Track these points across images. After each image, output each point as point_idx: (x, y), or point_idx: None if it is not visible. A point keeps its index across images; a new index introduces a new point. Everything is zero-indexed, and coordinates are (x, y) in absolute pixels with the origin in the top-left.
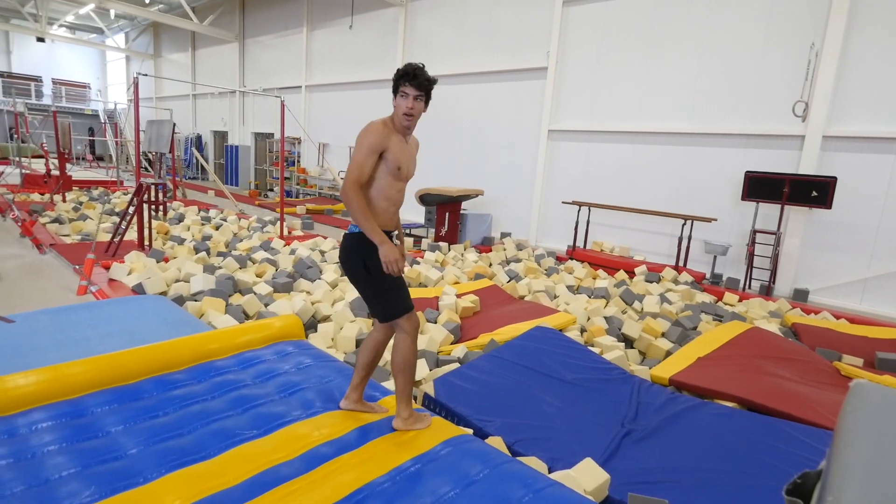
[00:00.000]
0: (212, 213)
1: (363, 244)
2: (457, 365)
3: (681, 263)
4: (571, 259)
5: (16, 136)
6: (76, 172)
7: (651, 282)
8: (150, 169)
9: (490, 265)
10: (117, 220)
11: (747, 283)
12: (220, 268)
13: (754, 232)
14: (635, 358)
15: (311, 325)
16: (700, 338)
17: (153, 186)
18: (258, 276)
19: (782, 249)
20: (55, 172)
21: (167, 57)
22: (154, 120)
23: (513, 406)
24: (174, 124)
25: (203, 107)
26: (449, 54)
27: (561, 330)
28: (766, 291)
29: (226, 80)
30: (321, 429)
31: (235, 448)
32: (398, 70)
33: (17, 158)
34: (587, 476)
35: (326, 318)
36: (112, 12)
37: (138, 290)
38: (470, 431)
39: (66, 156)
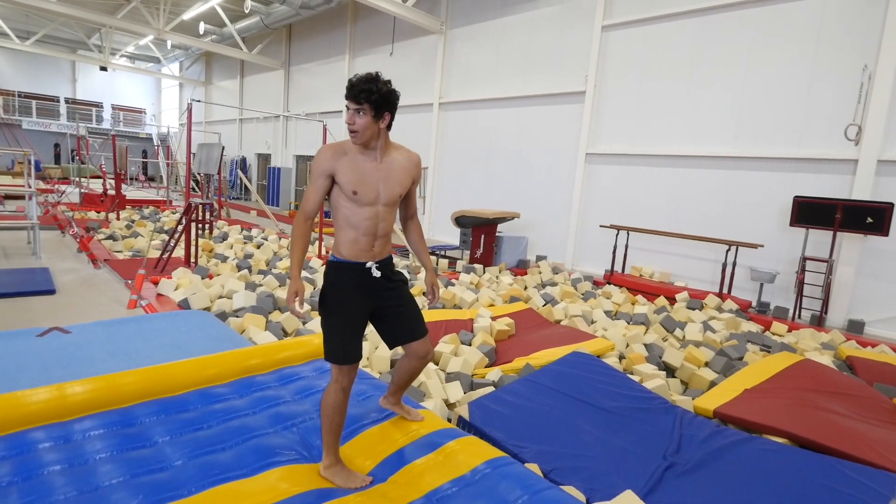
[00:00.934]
0: (254, 232)
1: (328, 273)
2: (491, 388)
3: (725, 290)
4: (609, 284)
5: (77, 157)
6: (130, 192)
7: (693, 309)
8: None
9: (525, 288)
10: (166, 237)
11: (797, 312)
12: (260, 285)
13: (804, 259)
14: (677, 388)
15: None
16: (747, 368)
17: (200, 206)
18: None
19: (835, 278)
20: (111, 192)
21: (217, 84)
22: (205, 143)
23: (549, 432)
24: (223, 147)
25: (249, 130)
26: (487, 79)
27: (599, 356)
28: (818, 322)
29: (271, 105)
30: (357, 449)
31: (276, 469)
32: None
33: (78, 179)
34: None
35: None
36: (169, 43)
37: (184, 305)
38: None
39: (122, 176)
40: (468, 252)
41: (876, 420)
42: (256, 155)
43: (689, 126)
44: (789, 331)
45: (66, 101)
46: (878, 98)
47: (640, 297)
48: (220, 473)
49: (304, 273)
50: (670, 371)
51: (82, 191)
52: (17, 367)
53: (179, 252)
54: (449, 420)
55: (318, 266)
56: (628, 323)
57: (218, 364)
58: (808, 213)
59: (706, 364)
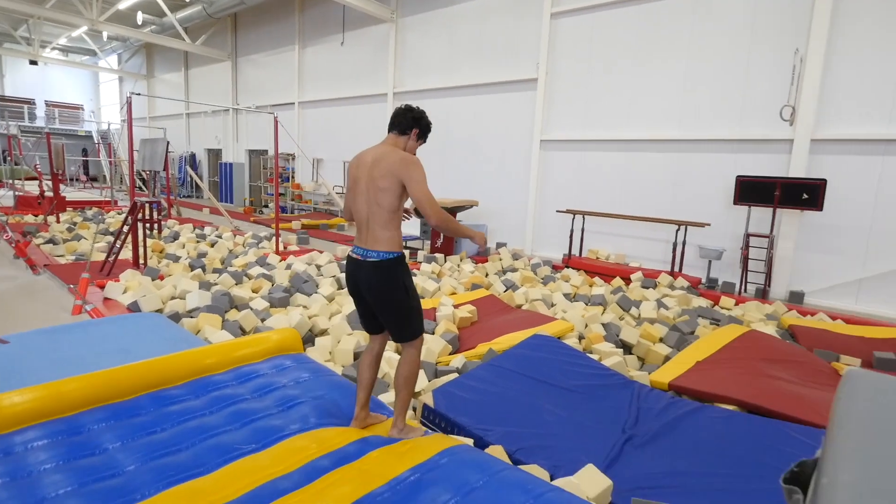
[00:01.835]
0: (207, 230)
1: (402, 266)
2: (455, 375)
3: (676, 269)
4: (567, 267)
5: (9, 158)
6: (70, 193)
7: (647, 288)
8: (144, 188)
9: (486, 275)
10: (112, 239)
11: (743, 286)
12: (215, 284)
13: (748, 236)
14: (634, 364)
15: (308, 339)
16: (698, 342)
17: (147, 205)
18: (254, 291)
19: (776, 252)
20: (49, 194)
21: (160, 77)
22: (148, 139)
23: (513, 415)
24: (168, 142)
25: (196, 125)
26: (439, 68)
27: (559, 337)
28: (762, 294)
29: (219, 99)
30: (319, 442)
31: (234, 462)
32: (426, 118)
33: (11, 181)
34: (589, 483)
35: (324, 332)
36: (105, 34)
37: (134, 308)
38: (470, 441)
39: (60, 177)
40: (429, 242)
41: (817, 383)
42: (206, 150)
43: (637, 111)
44: (736, 304)
45: None
46: (810, 80)
47: (597, 279)
48: (177, 474)
49: (262, 270)
50: (627, 348)
51: (16, 193)
52: None
53: (127, 254)
54: (414, 409)
55: (276, 262)
56: (586, 304)
57: (171, 365)
58: (750, 191)
59: (661, 340)
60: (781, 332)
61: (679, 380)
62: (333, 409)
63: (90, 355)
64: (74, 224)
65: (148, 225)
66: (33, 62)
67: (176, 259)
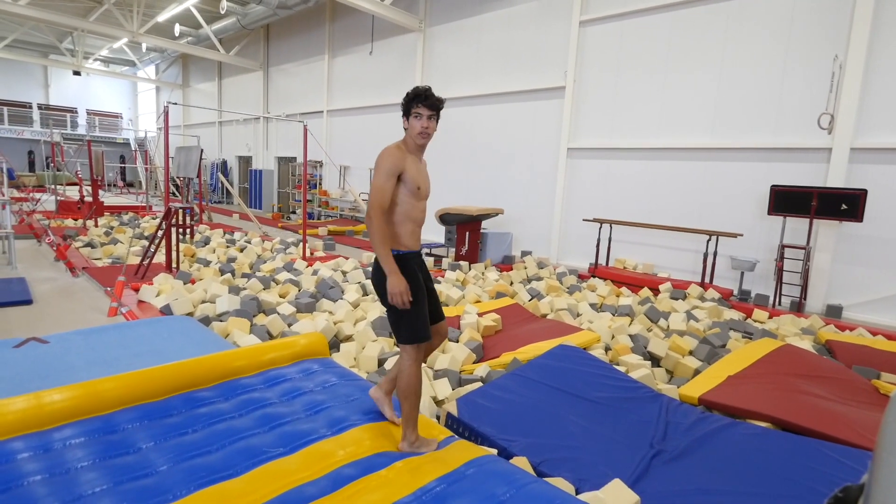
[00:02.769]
0: (236, 235)
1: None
2: (479, 384)
3: (707, 280)
4: (594, 277)
5: (52, 164)
6: (108, 198)
7: (676, 299)
8: (177, 194)
9: (511, 284)
10: (146, 243)
11: (777, 299)
12: (244, 289)
13: (783, 247)
14: (662, 377)
15: (333, 345)
16: (730, 356)
17: (181, 210)
18: (281, 296)
19: (813, 264)
20: (88, 199)
21: (195, 86)
22: (183, 147)
23: (537, 425)
24: (202, 150)
25: (228, 133)
26: (466, 76)
27: (585, 348)
28: (798, 308)
29: (250, 107)
30: (346, 448)
31: (262, 466)
32: (409, 93)
33: (53, 186)
34: (616, 498)
35: (349, 338)
36: (144, 46)
37: (166, 311)
38: (494, 451)
39: (99, 183)
40: (453, 249)
41: (855, 401)
42: (237, 157)
43: (667, 119)
44: (770, 317)
45: (39, 107)
46: (850, 87)
47: (624, 289)
48: (208, 475)
49: (289, 276)
50: (655, 360)
51: (58, 198)
52: None
53: (160, 258)
54: (437, 417)
55: (303, 268)
56: (613, 315)
57: (202, 367)
58: (785, 201)
59: (690, 352)
60: (818, 347)
61: (710, 394)
62: (360, 414)
63: (125, 356)
64: (111, 228)
65: (181, 230)
66: (76, 72)
67: (207, 263)
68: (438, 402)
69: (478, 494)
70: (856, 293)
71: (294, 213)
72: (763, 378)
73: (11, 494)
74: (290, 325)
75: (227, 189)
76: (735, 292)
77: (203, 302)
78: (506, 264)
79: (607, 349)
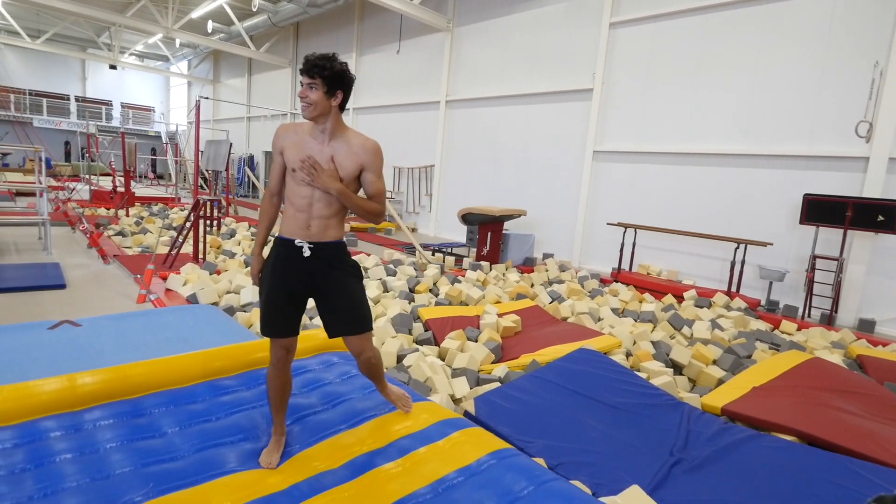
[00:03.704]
0: None
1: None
2: (497, 384)
3: (733, 289)
4: (616, 282)
5: (87, 155)
6: (139, 189)
7: (701, 307)
8: (205, 187)
9: (532, 286)
10: (175, 234)
11: (807, 311)
12: None
13: (814, 257)
14: (684, 385)
15: None
16: (755, 366)
17: (208, 203)
18: None
19: (845, 276)
20: (120, 189)
21: (225, 82)
22: (213, 140)
23: (555, 428)
24: (231, 144)
25: (256, 129)
26: (493, 76)
27: (606, 353)
28: (828, 321)
29: (278, 103)
30: (365, 438)
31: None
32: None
33: (87, 176)
34: None
35: None
36: (177, 41)
37: (192, 299)
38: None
39: (131, 174)
40: (475, 249)
41: (886, 418)
42: (264, 153)
43: (697, 123)
44: (799, 329)
45: (77, 99)
46: (890, 94)
47: (647, 295)
48: (225, 465)
49: None
50: (678, 368)
51: (92, 188)
52: (29, 359)
53: (188, 248)
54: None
55: None
56: (635, 320)
57: (226, 357)
58: (819, 210)
59: (714, 362)
60: (848, 361)
61: (734, 405)
62: (379, 405)
63: (153, 342)
64: (142, 218)
65: (208, 222)
66: (112, 67)
67: (232, 255)
68: (456, 401)
69: (496, 488)
70: (890, 307)
71: None
72: (790, 391)
73: (43, 470)
74: (310, 319)
75: (253, 183)
76: (763, 302)
77: (228, 292)
78: (527, 266)
79: (628, 355)
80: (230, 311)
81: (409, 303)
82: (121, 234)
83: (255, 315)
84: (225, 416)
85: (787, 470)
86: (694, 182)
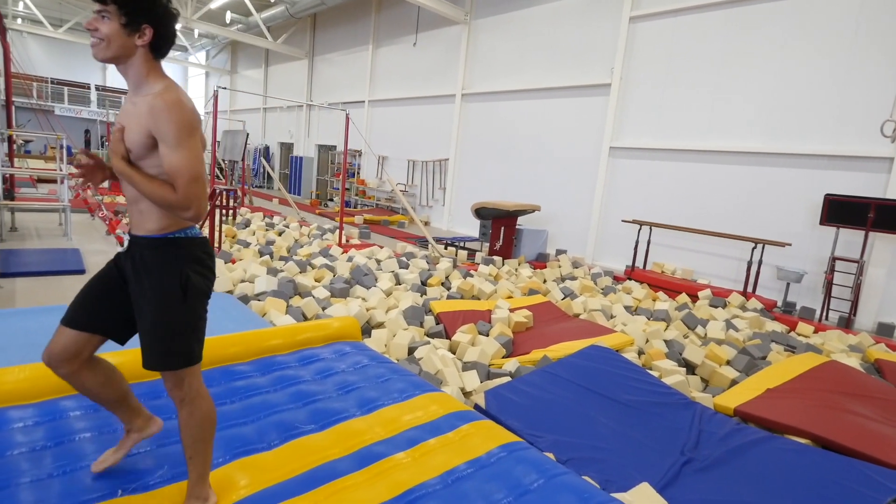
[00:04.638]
0: (275, 219)
1: (186, 252)
2: (508, 379)
3: (749, 289)
4: (630, 279)
5: (107, 143)
6: None
7: (716, 307)
8: (221, 177)
9: (544, 281)
10: None
11: (824, 313)
12: (281, 271)
13: (834, 259)
14: (697, 385)
15: (365, 331)
16: (770, 368)
17: (224, 192)
18: (317, 280)
19: (865, 279)
20: None
21: (242, 73)
22: (229, 130)
23: (565, 423)
24: (247, 134)
25: (272, 120)
26: (510, 70)
27: (618, 350)
28: (846, 324)
29: (294, 95)
30: (375, 427)
31: (294, 440)
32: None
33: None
34: (644, 502)
35: (380, 325)
36: (196, 32)
37: None
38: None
39: None
40: (488, 244)
41: None
42: (279, 144)
43: (716, 120)
44: (815, 332)
45: (97, 88)
46: None
47: (661, 294)
48: (243, 446)
49: (324, 261)
50: (690, 368)
51: None
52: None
53: None
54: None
55: (338, 254)
56: (648, 319)
57: (240, 343)
58: (840, 211)
59: (728, 362)
60: (866, 365)
61: (747, 406)
62: (390, 394)
63: None
64: None
65: (224, 211)
66: None
67: (246, 245)
68: (466, 394)
69: (506, 480)
70: None
71: (332, 200)
72: (805, 393)
73: (63, 448)
74: (324, 309)
75: (268, 174)
76: (779, 304)
77: (242, 281)
78: (540, 262)
79: (640, 353)
80: (244, 299)
81: (421, 296)
82: None
83: (269, 304)
84: (239, 400)
85: (800, 472)
86: (711, 180)
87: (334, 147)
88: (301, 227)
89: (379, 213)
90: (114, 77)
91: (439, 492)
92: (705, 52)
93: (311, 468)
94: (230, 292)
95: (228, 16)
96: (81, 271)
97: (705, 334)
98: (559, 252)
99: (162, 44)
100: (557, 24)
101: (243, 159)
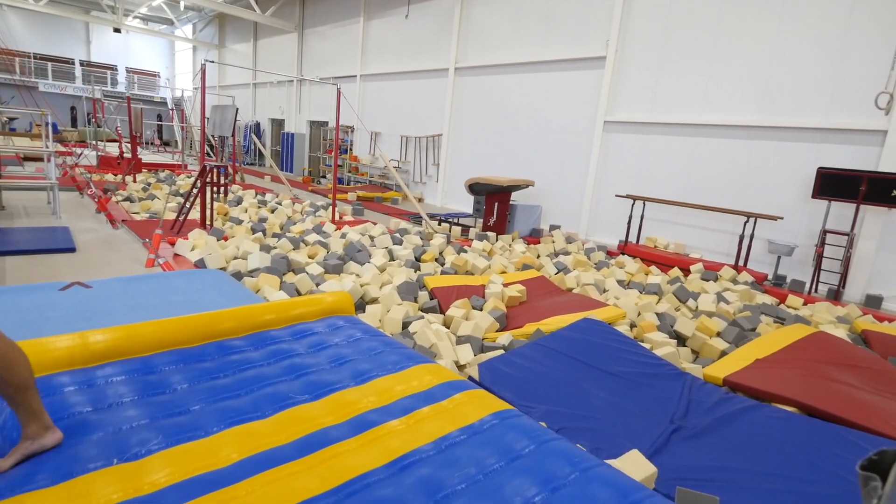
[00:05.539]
0: (268, 196)
1: None
2: (501, 352)
3: (741, 263)
4: (623, 254)
5: (93, 120)
6: (145, 156)
7: (707, 280)
8: (212, 154)
9: (538, 256)
10: (182, 200)
11: (814, 286)
12: (275, 248)
13: (824, 232)
14: (687, 356)
15: (359, 307)
16: (759, 339)
17: (215, 169)
18: (310, 257)
19: (855, 252)
20: (127, 155)
21: (230, 47)
22: (218, 105)
23: (558, 394)
24: (237, 109)
25: (262, 95)
26: (504, 43)
27: (610, 323)
28: (835, 296)
29: (284, 69)
30: (369, 396)
31: (288, 410)
32: None
33: (94, 142)
34: (633, 468)
35: (374, 301)
36: (182, 4)
37: (200, 264)
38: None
39: (138, 140)
40: (481, 220)
41: (888, 392)
42: (270, 120)
43: (711, 94)
44: (805, 304)
45: (81, 63)
46: None
47: (653, 268)
48: (237, 416)
49: (318, 237)
50: (681, 340)
51: (99, 153)
52: (41, 318)
53: (195, 215)
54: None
55: (332, 231)
56: (641, 292)
57: (234, 318)
58: (832, 185)
59: (718, 334)
60: (853, 336)
61: (735, 376)
62: (384, 366)
63: (162, 304)
64: (149, 184)
65: (215, 188)
66: (116, 30)
67: (239, 222)
68: (461, 367)
69: (498, 446)
70: None
71: (324, 177)
72: (792, 363)
73: (65, 423)
74: (317, 285)
75: (259, 151)
76: (770, 277)
77: (235, 258)
78: (533, 237)
79: (632, 326)
80: (237, 276)
81: (415, 271)
82: (128, 199)
83: (262, 280)
84: (233, 373)
85: (785, 439)
86: (704, 154)
87: (326, 123)
88: (294, 204)
89: (372, 190)
90: (99, 52)
91: (432, 457)
92: (700, 25)
93: (304, 435)
94: (223, 269)
95: None
96: (72, 249)
97: (696, 307)
98: (553, 227)
99: None
100: None
101: (233, 135)
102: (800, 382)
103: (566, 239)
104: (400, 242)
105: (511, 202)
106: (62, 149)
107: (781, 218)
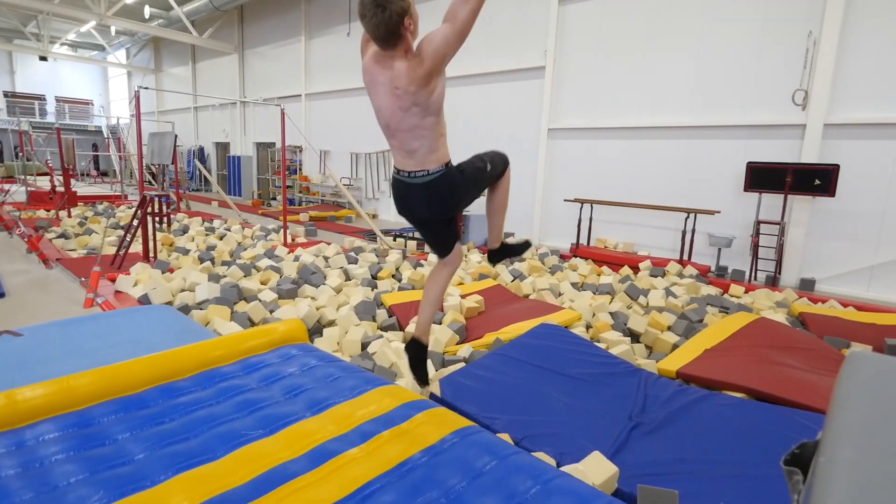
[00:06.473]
0: (216, 223)
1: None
2: (462, 364)
3: (685, 257)
4: (575, 257)
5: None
6: (81, 188)
7: (656, 276)
8: (153, 182)
9: (494, 265)
10: (122, 233)
11: (753, 274)
12: (224, 276)
13: (758, 223)
14: (642, 352)
15: (316, 331)
16: (706, 330)
17: (157, 199)
18: (263, 283)
19: (787, 239)
20: (60, 189)
21: (168, 71)
22: (156, 132)
23: (519, 403)
24: (176, 136)
25: (204, 119)
26: None
27: (566, 326)
28: (773, 282)
29: (226, 92)
30: (326, 426)
31: (242, 448)
32: None
33: (23, 176)
34: (596, 469)
35: (332, 323)
36: (113, 29)
37: (144, 300)
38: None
39: (71, 172)
40: None
41: (826, 370)
42: (214, 144)
43: (647, 97)
44: (746, 292)
45: (6, 94)
46: (823, 63)
47: (605, 268)
48: (186, 461)
49: (270, 262)
50: (635, 337)
51: (29, 189)
52: None
53: (137, 248)
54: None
55: (284, 254)
56: (594, 293)
57: (179, 358)
58: (761, 177)
59: (669, 328)
60: (791, 319)
61: (687, 367)
62: (340, 392)
63: (102, 347)
64: (86, 218)
65: (157, 218)
66: (43, 58)
67: (185, 252)
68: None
69: (459, 465)
70: (828, 266)
71: (274, 199)
72: (738, 350)
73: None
74: (271, 312)
75: (204, 176)
76: (712, 268)
77: (182, 290)
78: (488, 246)
79: (588, 327)
80: (185, 309)
81: (372, 290)
82: (63, 236)
83: (212, 312)
84: (180, 416)
85: (737, 424)
86: (647, 155)
87: (273, 144)
88: (244, 228)
89: (325, 209)
90: (24, 82)
91: (393, 484)
92: (632, 32)
93: (260, 473)
94: (170, 303)
95: (147, 10)
96: (1, 295)
97: (647, 303)
98: (507, 235)
99: None
100: (490, 9)
101: (174, 162)
102: (746, 368)
103: None
104: (355, 261)
105: (464, 213)
106: None
107: (719, 212)
